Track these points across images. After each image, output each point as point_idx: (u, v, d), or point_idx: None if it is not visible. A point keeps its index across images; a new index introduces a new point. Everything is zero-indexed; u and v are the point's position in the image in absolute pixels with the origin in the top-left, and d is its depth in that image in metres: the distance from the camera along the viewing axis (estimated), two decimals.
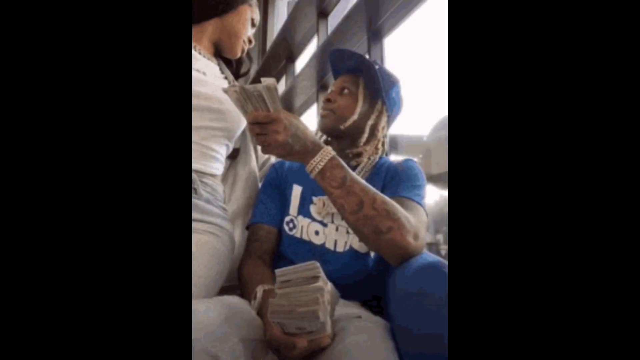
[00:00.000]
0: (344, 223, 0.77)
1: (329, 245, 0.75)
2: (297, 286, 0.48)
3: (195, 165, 0.75)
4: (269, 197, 0.84)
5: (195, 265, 0.64)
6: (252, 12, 0.92)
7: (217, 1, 0.87)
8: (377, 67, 0.83)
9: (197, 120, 0.75)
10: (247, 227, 0.81)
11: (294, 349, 0.48)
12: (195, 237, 0.68)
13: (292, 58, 2.24)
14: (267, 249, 0.77)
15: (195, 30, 0.87)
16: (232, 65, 0.97)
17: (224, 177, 0.92)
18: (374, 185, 0.77)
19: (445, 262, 0.58)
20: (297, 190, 0.83)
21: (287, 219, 0.81)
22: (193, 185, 0.73)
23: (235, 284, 0.76)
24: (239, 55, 0.93)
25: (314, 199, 0.81)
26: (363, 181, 0.64)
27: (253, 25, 0.94)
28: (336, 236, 0.76)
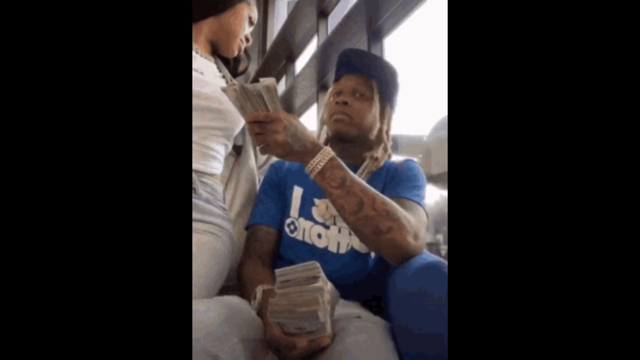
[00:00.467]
0: (345, 225, 0.76)
1: (332, 248, 0.75)
2: (297, 286, 0.48)
3: (194, 165, 0.75)
4: (269, 197, 0.83)
5: (195, 265, 0.64)
6: (250, 10, 0.92)
7: (214, 0, 0.86)
8: (385, 64, 0.83)
9: (196, 120, 0.75)
10: (246, 228, 0.81)
11: (294, 349, 0.48)
12: (195, 237, 0.68)
13: (292, 58, 2.24)
14: (267, 249, 0.76)
15: (193, 29, 0.87)
16: (230, 64, 0.97)
17: (229, 176, 0.92)
18: (374, 186, 0.76)
19: (445, 262, 0.58)
20: (297, 192, 0.82)
21: (288, 221, 0.80)
22: (192, 185, 0.73)
23: (235, 283, 0.75)
24: (236, 53, 0.93)
25: (316, 200, 0.80)
26: (363, 182, 0.64)
27: (251, 23, 0.93)
28: (338, 238, 0.76)
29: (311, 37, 2.08)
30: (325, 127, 0.87)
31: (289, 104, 2.03)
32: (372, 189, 0.63)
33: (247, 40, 0.94)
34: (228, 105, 0.78)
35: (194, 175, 0.74)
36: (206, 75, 0.81)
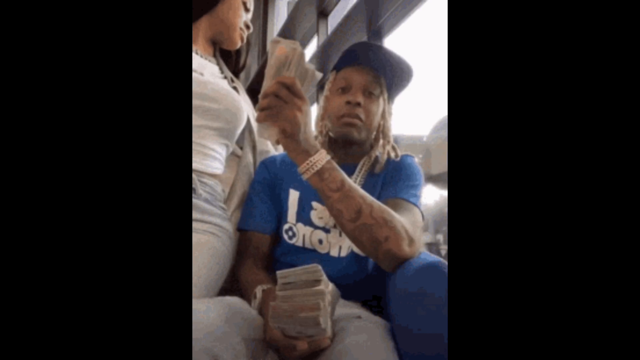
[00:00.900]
0: None
1: (334, 253, 0.74)
2: (299, 289, 0.48)
3: (194, 164, 0.75)
4: (261, 200, 0.79)
5: (195, 265, 0.64)
6: None
7: None
8: (403, 63, 0.77)
9: (195, 120, 0.75)
10: (239, 229, 0.79)
11: (294, 351, 0.48)
12: (194, 237, 0.68)
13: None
14: (263, 254, 0.76)
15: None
16: (232, 58, 0.96)
17: (233, 177, 0.92)
18: (374, 184, 0.76)
19: (445, 262, 0.58)
20: (294, 196, 0.78)
21: (286, 227, 0.77)
22: (192, 185, 0.73)
23: (235, 285, 0.75)
24: (239, 44, 0.92)
25: (314, 204, 0.76)
26: (359, 187, 0.62)
27: (246, 9, 0.92)
28: (340, 242, 0.74)
29: (311, 37, 2.08)
30: (324, 125, 0.80)
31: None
32: (369, 195, 0.61)
33: (247, 27, 0.93)
34: (227, 105, 0.78)
35: (193, 175, 0.74)
36: (206, 75, 0.81)
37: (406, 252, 0.58)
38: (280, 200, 0.79)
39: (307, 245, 0.75)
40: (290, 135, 0.57)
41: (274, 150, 0.97)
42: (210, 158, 0.78)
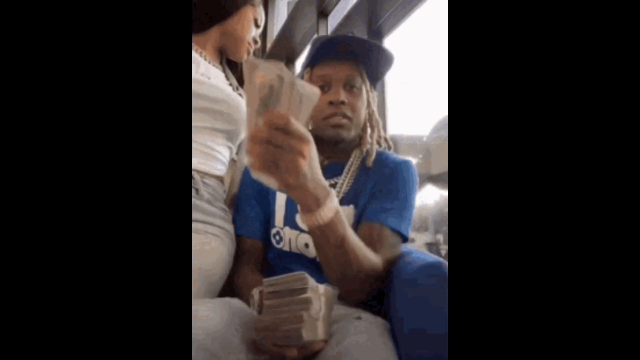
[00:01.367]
0: None
1: None
2: (285, 298, 0.46)
3: (197, 165, 0.75)
4: (249, 205, 0.77)
5: (196, 266, 0.64)
6: (255, 13, 0.92)
7: (216, 9, 0.87)
8: (379, 49, 0.72)
9: (200, 121, 0.75)
10: None
11: (285, 358, 0.48)
12: (196, 238, 0.68)
13: (292, 58, 2.24)
14: (256, 259, 0.75)
15: (200, 38, 0.88)
16: (237, 68, 0.98)
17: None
18: (364, 181, 0.72)
19: (445, 262, 0.58)
20: (281, 200, 0.75)
21: (274, 231, 0.75)
22: (195, 186, 0.73)
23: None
24: (245, 57, 0.94)
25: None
26: (355, 238, 0.57)
27: (257, 25, 0.94)
28: None
29: (311, 37, 2.08)
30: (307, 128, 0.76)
31: None
32: (363, 250, 0.58)
33: (255, 42, 0.95)
34: (232, 108, 0.78)
35: (197, 175, 0.74)
36: (212, 80, 0.82)
37: (366, 296, 0.61)
38: (269, 204, 0.77)
39: (294, 249, 0.73)
40: (295, 185, 0.46)
41: None
42: (214, 159, 0.79)
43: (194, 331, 0.44)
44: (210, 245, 0.69)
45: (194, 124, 0.75)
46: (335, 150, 0.75)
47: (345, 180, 0.74)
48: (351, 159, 0.76)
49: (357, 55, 0.72)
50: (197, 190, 0.73)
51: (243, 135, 0.86)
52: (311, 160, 0.46)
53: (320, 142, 0.71)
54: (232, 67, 0.98)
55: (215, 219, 0.73)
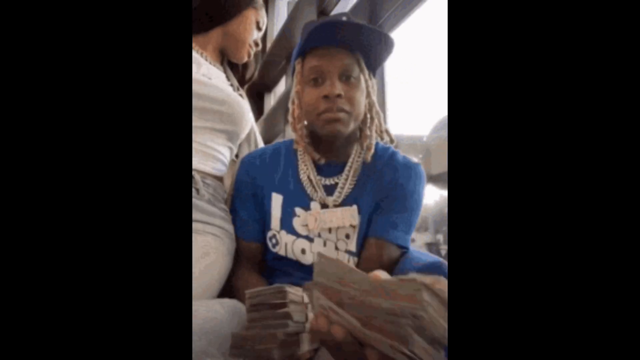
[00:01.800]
0: (332, 237, 0.69)
1: None
2: (264, 311, 0.45)
3: (197, 165, 0.75)
4: (244, 207, 0.74)
5: (196, 266, 0.64)
6: (257, 16, 0.92)
7: (218, 10, 0.87)
8: (378, 34, 0.64)
9: (201, 121, 0.76)
10: None
11: None
12: (197, 238, 0.68)
13: (292, 58, 2.24)
14: (254, 260, 0.74)
15: (202, 39, 0.89)
16: (238, 69, 0.98)
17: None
18: (367, 176, 0.69)
19: (445, 262, 0.58)
20: (277, 201, 0.72)
21: (270, 234, 0.72)
22: (195, 186, 0.73)
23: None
24: (245, 59, 0.94)
25: (297, 210, 0.70)
26: None
27: (259, 28, 0.94)
28: (324, 252, 0.67)
29: None
30: (302, 125, 0.69)
31: (288, 109, 2.03)
32: None
33: (256, 45, 0.95)
34: (232, 108, 0.79)
35: (197, 175, 0.74)
36: (213, 80, 0.82)
37: None
38: (264, 205, 0.73)
39: (290, 255, 0.70)
40: None
41: None
42: (215, 159, 0.79)
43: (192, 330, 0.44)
44: (210, 245, 0.69)
45: (194, 124, 0.75)
46: (333, 147, 0.71)
47: (347, 180, 0.70)
48: (352, 157, 0.71)
49: (353, 42, 0.65)
50: (197, 190, 0.73)
51: (243, 135, 0.86)
52: None
53: (316, 138, 0.71)
54: (233, 68, 0.98)
55: (216, 219, 0.73)
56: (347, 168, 0.71)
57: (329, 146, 0.71)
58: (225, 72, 0.92)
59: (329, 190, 0.71)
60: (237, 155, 0.92)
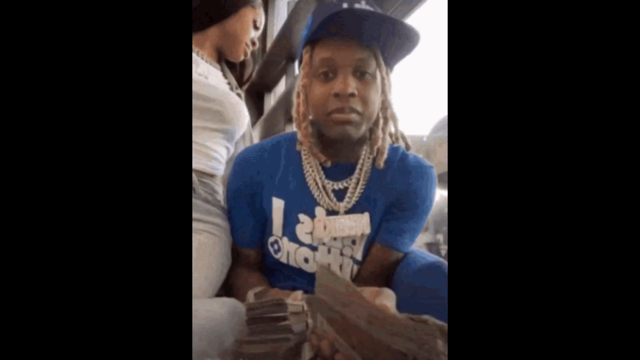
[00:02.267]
0: (336, 244, 0.65)
1: None
2: (264, 324, 0.44)
3: (195, 164, 0.75)
4: (240, 213, 0.70)
5: (194, 265, 0.64)
6: (254, 15, 0.92)
7: (215, 9, 0.87)
8: (402, 26, 0.56)
9: (197, 121, 0.76)
10: None
11: None
12: (194, 237, 0.69)
13: (292, 58, 2.24)
14: (253, 263, 0.73)
15: (198, 37, 0.89)
16: (236, 69, 0.98)
17: None
18: (379, 181, 0.64)
19: (445, 262, 0.58)
20: (278, 205, 0.66)
21: (271, 239, 0.68)
22: (192, 185, 0.73)
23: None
24: (242, 58, 0.94)
25: (301, 216, 0.65)
26: None
27: (256, 27, 0.94)
28: (328, 260, 0.66)
29: None
30: (308, 123, 0.61)
31: (288, 104, 2.03)
32: None
33: (253, 44, 0.95)
34: (228, 107, 0.79)
35: (194, 175, 0.74)
36: (210, 79, 0.82)
37: None
38: (263, 210, 0.68)
39: (292, 263, 0.67)
40: None
41: None
42: (211, 158, 0.79)
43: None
44: (208, 243, 0.69)
45: None
46: (341, 148, 0.64)
47: (358, 184, 0.65)
48: (362, 159, 0.65)
49: (372, 34, 0.57)
50: (194, 189, 0.73)
51: (240, 134, 0.86)
52: None
53: (322, 138, 0.64)
54: (232, 67, 0.98)
55: (213, 217, 0.73)
56: (357, 171, 0.65)
57: (337, 148, 0.64)
58: (222, 70, 0.92)
59: (339, 195, 0.65)
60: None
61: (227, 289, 0.72)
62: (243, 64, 0.99)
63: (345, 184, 0.65)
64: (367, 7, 0.57)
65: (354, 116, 0.58)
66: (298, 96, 0.62)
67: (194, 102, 0.75)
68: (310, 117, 0.63)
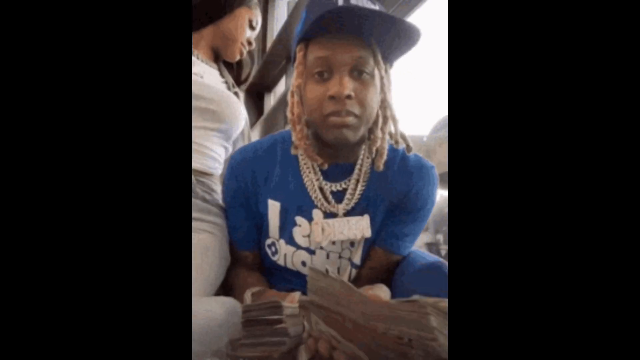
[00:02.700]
0: (335, 248, 0.64)
1: None
2: (259, 327, 0.44)
3: (192, 164, 0.76)
4: (236, 215, 0.69)
5: (194, 264, 0.64)
6: (250, 14, 0.92)
7: (210, 8, 0.87)
8: (402, 24, 0.53)
9: (194, 120, 0.76)
10: None
11: None
12: (192, 236, 0.69)
13: (292, 58, 2.23)
14: (250, 264, 0.72)
15: (194, 37, 0.89)
16: (234, 69, 0.98)
17: None
18: (379, 184, 0.63)
19: (445, 262, 0.58)
20: (274, 207, 0.64)
21: (269, 241, 0.67)
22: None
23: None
24: (238, 58, 0.94)
25: (298, 219, 0.64)
26: None
27: (252, 27, 0.94)
28: (326, 264, 0.65)
29: None
30: (303, 126, 0.59)
31: (287, 104, 2.02)
32: None
33: (249, 43, 0.95)
34: (225, 107, 0.79)
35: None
36: (206, 79, 0.82)
37: None
38: (259, 212, 0.66)
39: (289, 265, 0.66)
40: None
41: None
42: (208, 157, 0.79)
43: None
44: (207, 242, 0.69)
45: None
46: (339, 149, 0.62)
47: (357, 185, 0.63)
48: (360, 158, 0.62)
49: (370, 31, 0.53)
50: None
51: (237, 132, 0.86)
52: None
53: (320, 141, 0.61)
54: (229, 66, 0.98)
55: (212, 216, 0.74)
56: (356, 171, 0.62)
57: (334, 149, 0.61)
58: (219, 70, 0.92)
59: (337, 196, 0.63)
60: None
61: (226, 288, 0.72)
62: (240, 64, 1.00)
63: (344, 185, 0.64)
64: (365, 4, 0.54)
65: (351, 119, 0.55)
66: (292, 96, 0.59)
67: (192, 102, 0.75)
68: (306, 118, 0.60)
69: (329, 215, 0.63)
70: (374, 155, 0.62)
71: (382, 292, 0.44)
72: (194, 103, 0.76)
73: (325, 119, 0.56)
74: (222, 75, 0.92)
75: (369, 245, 0.67)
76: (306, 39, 0.57)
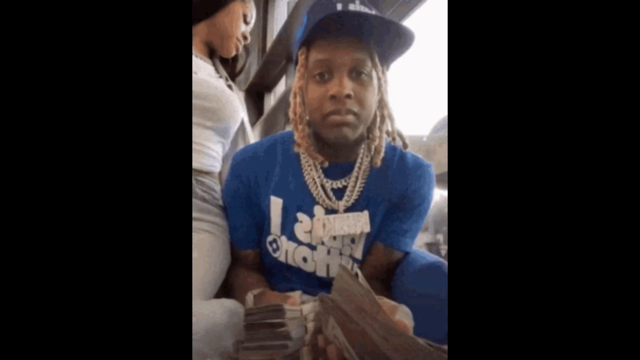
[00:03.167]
0: (336, 244, 0.66)
1: (321, 273, 0.67)
2: (261, 330, 0.44)
3: None
4: (237, 214, 0.70)
5: (194, 265, 0.64)
6: (244, 9, 0.92)
7: (204, 3, 0.87)
8: (397, 27, 0.56)
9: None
10: None
11: None
12: (192, 236, 0.69)
13: (292, 58, 2.23)
14: (251, 264, 0.72)
15: None
16: (229, 64, 0.98)
17: None
18: (379, 182, 0.64)
19: (445, 262, 0.58)
20: (276, 204, 0.66)
21: (270, 238, 0.68)
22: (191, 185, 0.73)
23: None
24: (233, 53, 0.94)
25: (299, 215, 0.65)
26: None
27: (246, 22, 0.93)
28: (327, 260, 0.66)
29: None
30: (305, 125, 0.61)
31: (288, 105, 2.02)
32: None
33: (244, 38, 0.94)
34: (220, 103, 0.79)
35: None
36: (200, 75, 0.82)
37: None
38: (261, 210, 0.68)
39: (290, 262, 0.67)
40: None
41: None
42: (206, 156, 0.79)
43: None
44: (207, 242, 0.69)
45: None
46: (339, 148, 0.64)
47: (357, 182, 0.65)
48: (360, 158, 0.65)
49: (368, 33, 0.57)
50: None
51: (234, 128, 0.86)
52: None
53: (320, 141, 0.64)
54: (224, 61, 0.97)
55: (211, 216, 0.73)
56: (355, 169, 0.65)
57: (335, 148, 0.64)
58: (214, 65, 0.91)
59: (338, 194, 0.65)
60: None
61: (226, 288, 0.72)
62: (235, 58, 0.99)
63: (344, 183, 0.66)
64: (362, 8, 0.57)
65: (350, 118, 0.57)
66: (294, 97, 0.62)
67: None
68: (307, 118, 0.63)
69: (329, 211, 0.65)
70: (372, 153, 0.64)
71: (407, 319, 0.43)
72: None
73: (326, 118, 0.58)
74: (217, 70, 0.91)
75: (370, 242, 0.67)
76: (308, 43, 0.60)
